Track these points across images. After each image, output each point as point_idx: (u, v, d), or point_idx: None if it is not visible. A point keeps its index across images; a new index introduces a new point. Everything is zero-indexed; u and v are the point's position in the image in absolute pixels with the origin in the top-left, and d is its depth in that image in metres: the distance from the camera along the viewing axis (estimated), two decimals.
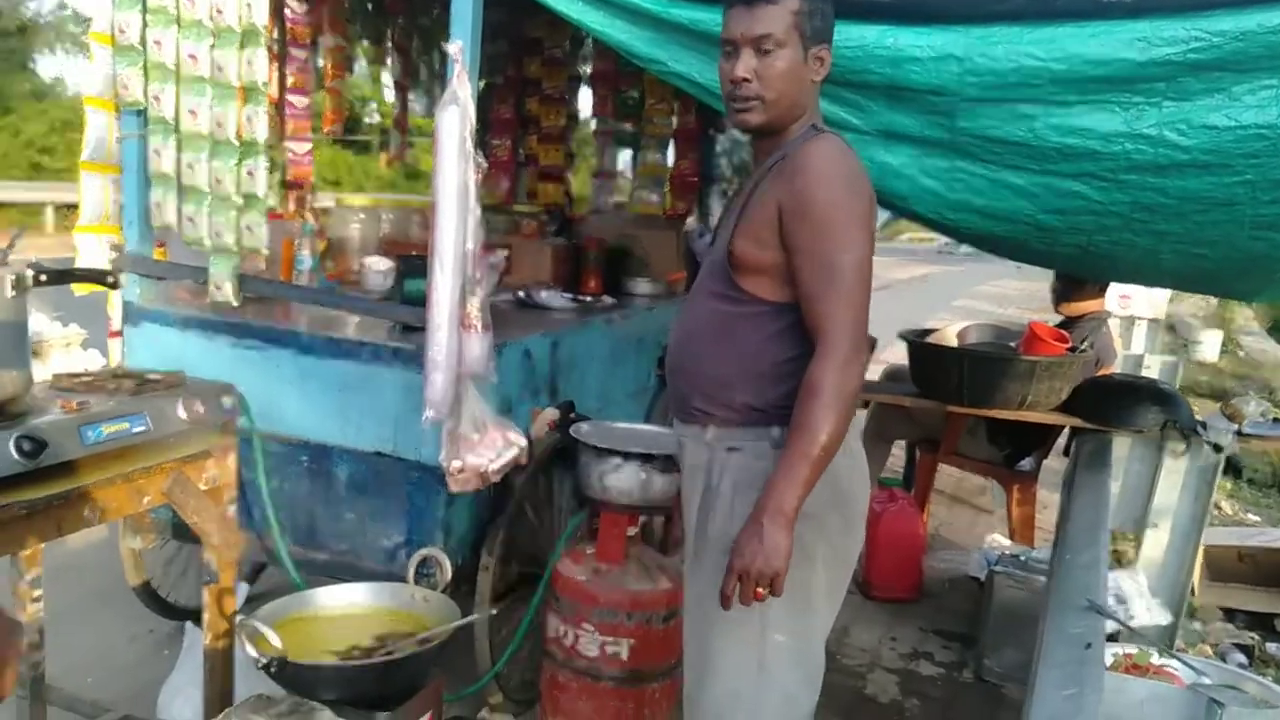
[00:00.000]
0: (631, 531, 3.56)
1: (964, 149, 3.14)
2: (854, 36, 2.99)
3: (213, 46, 3.66)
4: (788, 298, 2.41)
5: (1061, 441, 5.64)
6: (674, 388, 2.68)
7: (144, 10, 3.69)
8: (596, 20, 3.28)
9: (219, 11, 3.62)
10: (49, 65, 50.95)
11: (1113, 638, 3.49)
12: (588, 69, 6.87)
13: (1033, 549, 5.16)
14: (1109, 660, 3.08)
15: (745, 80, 2.41)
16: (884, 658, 4.80)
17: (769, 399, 2.45)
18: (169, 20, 3.66)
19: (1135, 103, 2.88)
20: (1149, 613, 4.14)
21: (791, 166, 2.38)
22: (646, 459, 3.39)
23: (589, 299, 5.06)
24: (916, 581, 5.50)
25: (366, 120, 22.09)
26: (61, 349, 2.83)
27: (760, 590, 2.24)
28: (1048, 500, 6.26)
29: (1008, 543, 5.69)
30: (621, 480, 3.43)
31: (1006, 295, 24.78)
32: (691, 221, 6.32)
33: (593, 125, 6.93)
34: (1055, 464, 6.20)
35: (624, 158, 7.13)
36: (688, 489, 2.66)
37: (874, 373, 5.72)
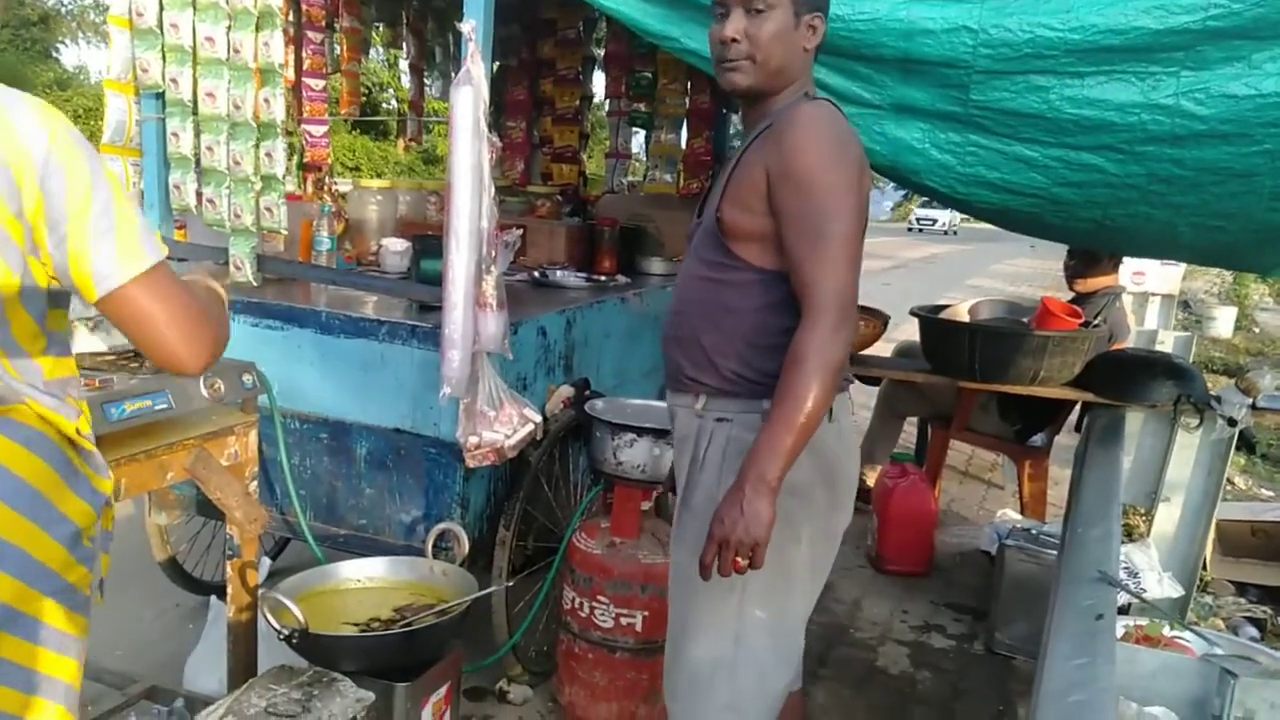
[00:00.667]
0: (645, 505, 3.60)
1: (978, 122, 3.13)
2: (867, 9, 3.00)
3: (229, 29, 3.68)
4: (780, 266, 2.35)
5: (1073, 417, 5.65)
6: (667, 357, 2.63)
7: None
8: None
9: None
10: (71, 54, 51.10)
11: (1124, 611, 3.51)
12: (601, 50, 6.87)
13: (1044, 523, 5.18)
14: (1120, 632, 3.08)
15: (734, 40, 2.35)
16: (895, 630, 4.83)
17: (762, 369, 2.39)
18: (185, 3, 3.68)
19: (1152, 72, 2.87)
20: (1161, 586, 4.16)
21: (779, 131, 2.31)
22: (660, 434, 3.41)
23: (603, 278, 5.07)
24: (928, 556, 5.54)
25: (385, 106, 22.14)
26: (85, 329, 2.86)
27: (740, 560, 2.19)
28: (1059, 475, 6.29)
29: (1019, 517, 5.70)
30: (635, 455, 3.46)
31: (1020, 273, 24.75)
32: None
33: (606, 106, 6.93)
34: (1067, 439, 6.22)
35: (638, 138, 7.13)
36: (678, 459, 2.65)
37: (886, 349, 5.73)
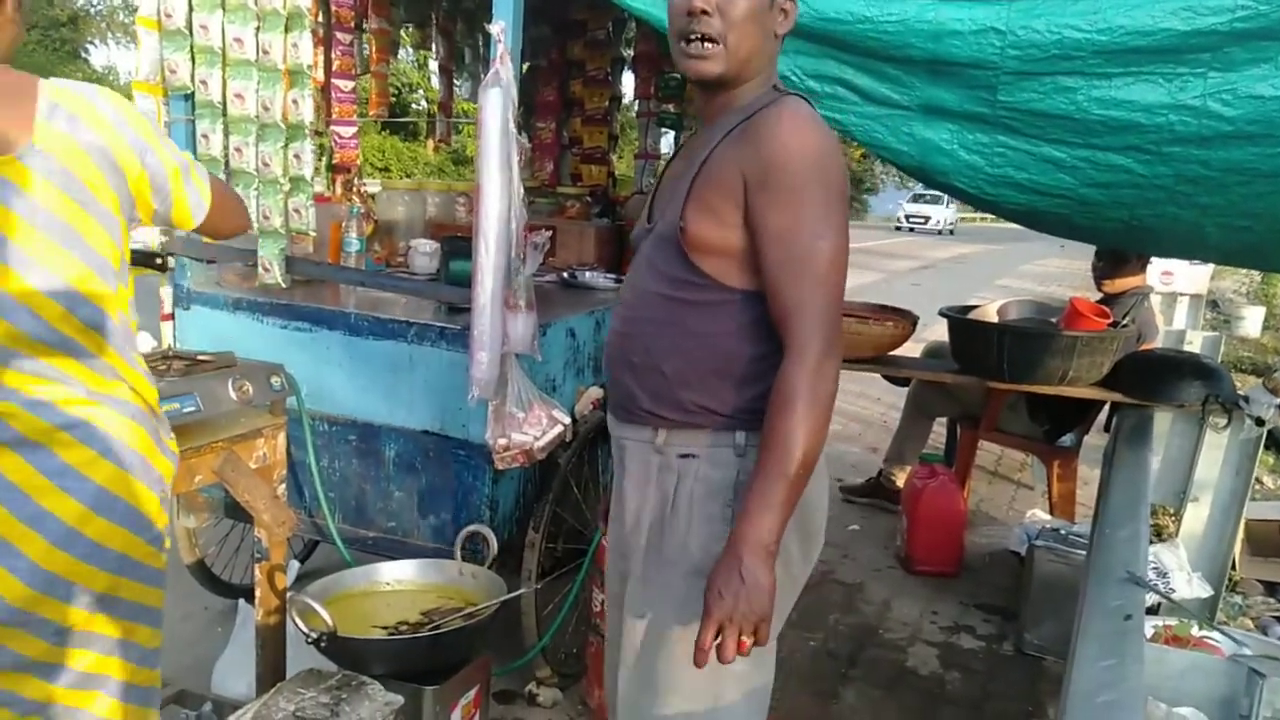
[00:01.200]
0: None
1: (1006, 123, 3.13)
2: (895, 11, 3.00)
3: (258, 30, 3.70)
4: (755, 285, 2.10)
5: (1102, 417, 5.64)
6: (617, 384, 2.33)
7: None
8: (640, 1, 3.30)
9: None
10: (100, 55, 51.37)
11: (1153, 611, 3.49)
12: (630, 52, 6.90)
13: (1073, 524, 5.16)
14: (1149, 632, 3.08)
15: (704, 12, 2.06)
16: (925, 631, 4.83)
17: (732, 402, 2.15)
18: (214, 4, 3.70)
19: (1180, 74, 2.85)
20: (1189, 586, 4.14)
21: (759, 133, 2.05)
22: None
23: None
24: (957, 556, 5.53)
25: (414, 107, 22.24)
26: None
27: (745, 640, 1.94)
28: (1088, 476, 6.26)
29: (1048, 518, 5.68)
30: None
31: (1050, 274, 24.65)
32: None
33: (635, 107, 6.95)
34: (1096, 440, 6.20)
35: (667, 139, 7.14)
36: (632, 499, 2.32)
37: (915, 350, 5.72)
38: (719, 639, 1.95)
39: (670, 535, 2.22)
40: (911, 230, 48.13)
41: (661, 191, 2.35)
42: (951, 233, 50.19)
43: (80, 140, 2.00)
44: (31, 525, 1.95)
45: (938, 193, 44.31)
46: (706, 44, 2.09)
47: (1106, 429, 5.45)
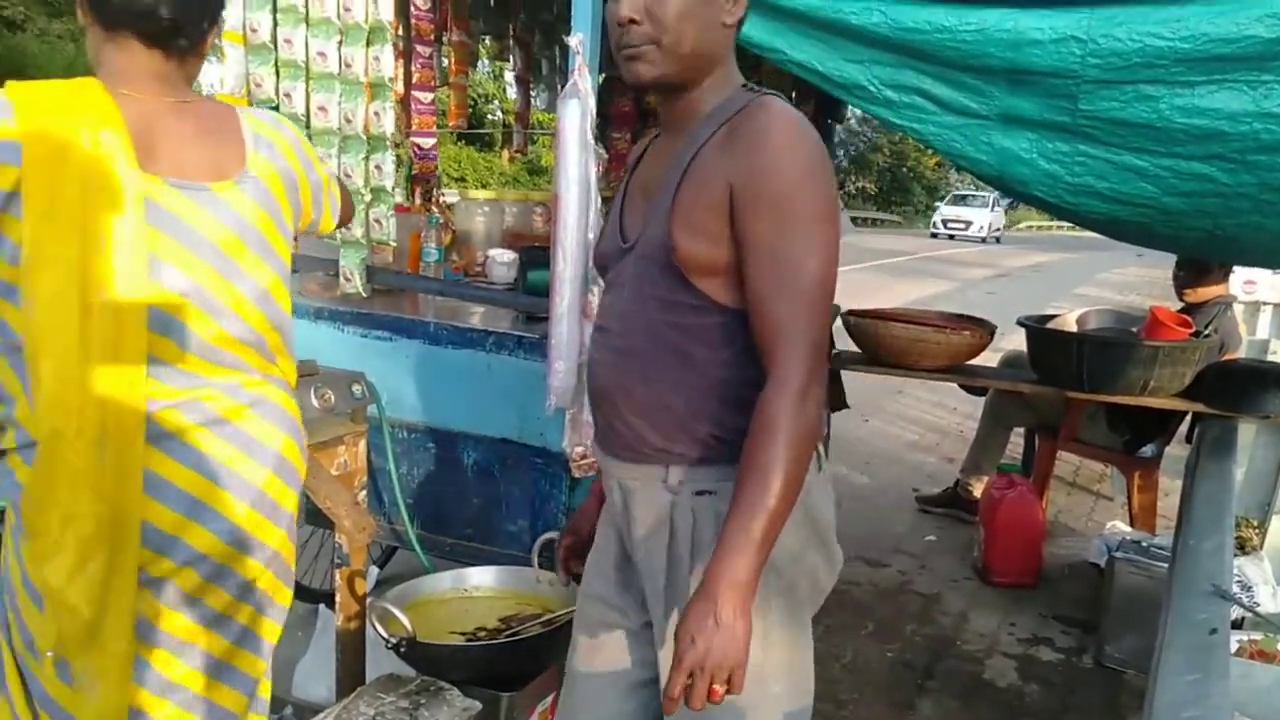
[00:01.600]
0: None
1: (1086, 132, 3.10)
2: (974, 20, 2.98)
3: (341, 44, 3.77)
4: (745, 302, 1.95)
5: (1184, 428, 5.57)
6: (615, 422, 2.12)
7: (274, 10, 3.82)
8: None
9: (346, 9, 3.74)
10: None
11: (1238, 625, 3.45)
12: None
13: (1154, 536, 5.10)
14: (1234, 647, 3.04)
15: (633, 21, 1.92)
16: (1003, 643, 4.79)
17: (737, 428, 1.94)
18: (298, 19, 3.77)
19: (1264, 81, 2.81)
20: (1275, 599, 4.08)
21: (746, 138, 1.90)
22: None
23: None
24: (1036, 567, 5.48)
25: (490, 117, 22.44)
26: None
27: (717, 689, 1.78)
28: (1169, 487, 6.18)
29: (1128, 529, 5.62)
30: None
31: (1128, 282, 24.30)
32: None
33: None
34: (1177, 450, 6.11)
35: None
36: (647, 544, 2.12)
37: (992, 359, 5.69)
38: (690, 685, 1.80)
39: (696, 578, 1.97)
40: (951, 237, 42.67)
41: (631, 204, 2.17)
42: (998, 240, 44.04)
43: (275, 165, 2.30)
44: (229, 490, 2.19)
45: (982, 194, 43.47)
46: (643, 48, 1.95)
47: (1188, 440, 5.38)
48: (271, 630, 2.45)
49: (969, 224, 42.87)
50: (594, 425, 2.24)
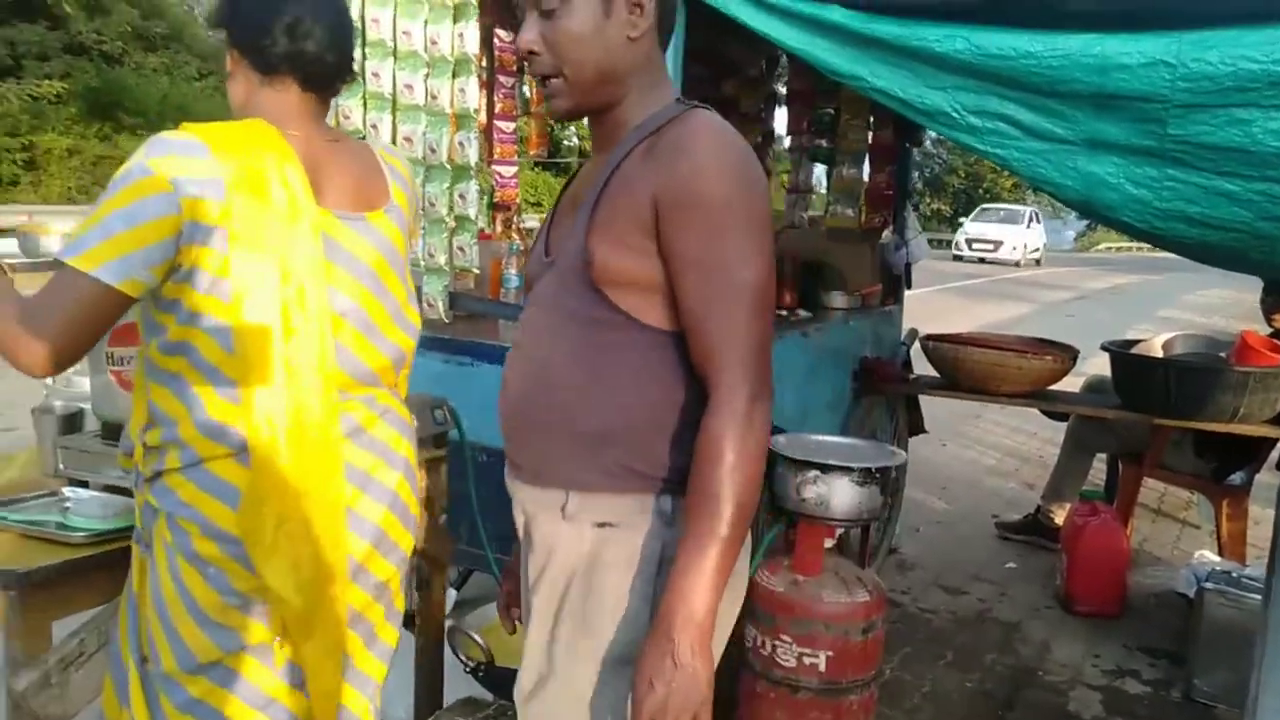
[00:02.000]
0: (829, 543, 3.56)
1: (1175, 156, 3.06)
2: (1060, 46, 2.96)
3: (427, 76, 3.84)
4: (675, 324, 1.83)
5: (1274, 456, 5.47)
6: (523, 444, 2.01)
7: (363, 44, 3.88)
8: (799, 40, 3.30)
9: (434, 43, 3.80)
10: None
11: None
12: (783, 88, 6.92)
13: (1244, 566, 5.01)
14: None
15: (532, 53, 1.86)
16: (1087, 674, 4.71)
17: (664, 462, 1.85)
18: (386, 53, 3.84)
19: None
20: None
21: (670, 149, 1.79)
22: (844, 471, 3.38)
23: (784, 312, 5.08)
24: (1120, 597, 5.38)
25: (565, 144, 22.61)
26: None
27: None
28: (1259, 515, 6.06)
29: (1217, 559, 5.51)
30: (818, 492, 3.42)
31: (1212, 305, 23.96)
32: (887, 235, 6.31)
33: (787, 142, 6.96)
34: (1268, 478, 6.00)
35: (818, 172, 7.14)
36: (535, 571, 2.00)
37: (1074, 384, 5.62)
38: None
39: (582, 623, 1.90)
40: (981, 260, 36.71)
41: (558, 221, 2.05)
42: (1037, 263, 38.52)
43: (405, 195, 2.40)
44: (370, 494, 2.27)
45: (1015, 207, 41.05)
46: (550, 81, 1.89)
47: (1278, 467, 5.29)
48: (393, 636, 2.48)
49: (998, 244, 37.45)
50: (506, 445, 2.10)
